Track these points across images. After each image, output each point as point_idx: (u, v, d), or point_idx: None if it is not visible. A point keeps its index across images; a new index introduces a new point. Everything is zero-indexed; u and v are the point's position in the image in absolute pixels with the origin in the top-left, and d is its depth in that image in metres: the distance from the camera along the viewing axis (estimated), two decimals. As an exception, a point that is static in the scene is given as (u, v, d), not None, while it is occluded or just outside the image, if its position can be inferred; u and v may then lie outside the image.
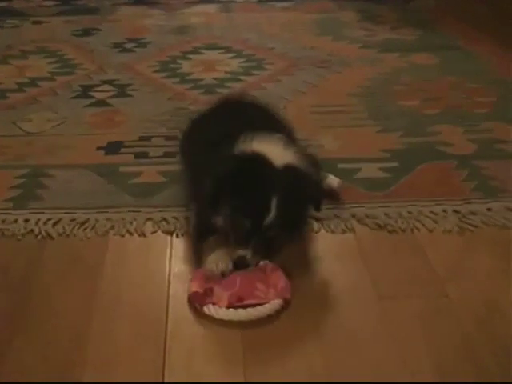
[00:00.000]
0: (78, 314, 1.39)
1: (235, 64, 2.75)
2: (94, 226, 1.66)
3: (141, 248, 1.61)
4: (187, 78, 2.61)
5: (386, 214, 1.72)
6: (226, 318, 1.35)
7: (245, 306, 1.36)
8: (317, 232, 1.67)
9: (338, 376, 1.24)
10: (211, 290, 1.40)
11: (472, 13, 3.41)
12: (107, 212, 1.72)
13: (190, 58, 2.81)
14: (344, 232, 1.67)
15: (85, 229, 1.66)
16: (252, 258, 1.41)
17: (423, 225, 1.69)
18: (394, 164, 1.96)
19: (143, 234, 1.65)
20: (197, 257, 1.52)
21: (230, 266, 1.43)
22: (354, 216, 1.71)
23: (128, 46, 2.95)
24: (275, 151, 1.45)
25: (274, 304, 1.37)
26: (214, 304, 1.37)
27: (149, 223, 1.68)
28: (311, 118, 2.27)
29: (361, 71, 2.67)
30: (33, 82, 2.56)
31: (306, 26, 3.24)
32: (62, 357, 1.28)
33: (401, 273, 1.53)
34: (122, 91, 2.47)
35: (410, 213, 1.73)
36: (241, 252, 1.41)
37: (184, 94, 2.45)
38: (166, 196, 1.79)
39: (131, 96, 2.44)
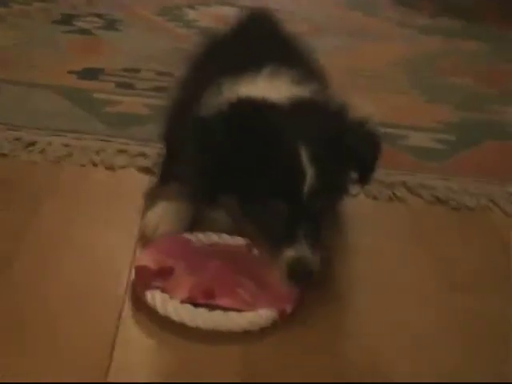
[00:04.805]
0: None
1: (250, 21, 2.29)
2: (43, 150, 1.18)
3: (105, 184, 1.13)
4: (192, 24, 2.15)
5: (447, 187, 1.26)
6: (175, 316, 0.83)
7: (212, 307, 0.85)
8: (354, 196, 1.19)
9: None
10: (170, 269, 0.89)
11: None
12: (66, 136, 1.24)
13: (198, 9, 2.36)
14: (391, 200, 1.20)
15: (30, 151, 1.18)
16: (313, 256, 0.86)
17: (498, 206, 1.22)
18: (450, 136, 1.52)
19: (111, 168, 1.17)
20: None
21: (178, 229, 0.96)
22: (404, 183, 1.25)
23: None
24: (275, 89, 0.95)
25: (261, 316, 0.84)
26: (164, 291, 0.86)
27: (121, 156, 1.21)
28: (343, 78, 1.81)
29: (400, 46, 2.25)
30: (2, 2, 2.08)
31: (333, 0, 2.80)
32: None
33: (475, 260, 1.07)
34: (111, 25, 2.02)
35: (478, 189, 1.27)
36: (293, 252, 0.85)
37: (187, 36, 1.99)
38: (149, 130, 1.32)
39: (121, 31, 1.98)
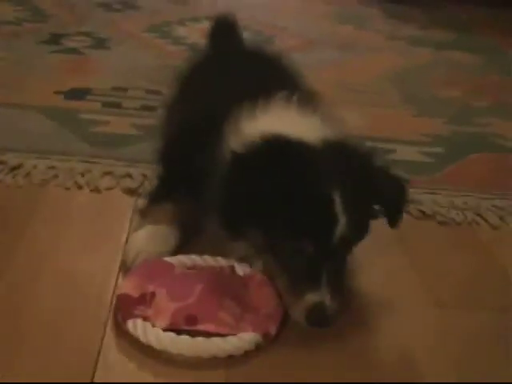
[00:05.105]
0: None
1: (240, 35, 2.30)
2: (28, 173, 1.18)
3: (90, 206, 1.13)
4: (182, 40, 2.15)
5: (434, 202, 1.25)
6: (157, 345, 0.82)
7: (194, 333, 0.84)
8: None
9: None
10: (152, 295, 0.87)
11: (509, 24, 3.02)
12: (51, 158, 1.24)
13: (187, 25, 2.36)
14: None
15: (15, 175, 1.18)
16: (332, 303, 0.86)
17: (485, 219, 1.22)
18: (438, 149, 1.51)
19: (96, 190, 1.17)
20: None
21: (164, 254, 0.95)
22: (390, 199, 1.24)
23: (116, 6, 2.50)
24: (299, 123, 0.95)
25: (245, 340, 0.83)
26: (146, 319, 0.85)
27: (107, 177, 1.20)
28: (331, 92, 1.81)
29: (390, 58, 2.26)
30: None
31: (324, 14, 2.82)
32: None
33: (462, 275, 1.07)
34: (99, 43, 2.02)
35: (465, 203, 1.26)
36: (314, 297, 0.85)
37: (177, 53, 1.99)
38: (137, 150, 1.32)
39: (110, 49, 1.98)
